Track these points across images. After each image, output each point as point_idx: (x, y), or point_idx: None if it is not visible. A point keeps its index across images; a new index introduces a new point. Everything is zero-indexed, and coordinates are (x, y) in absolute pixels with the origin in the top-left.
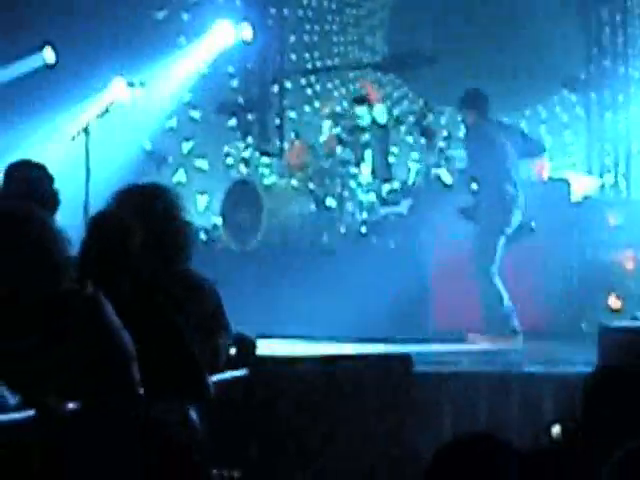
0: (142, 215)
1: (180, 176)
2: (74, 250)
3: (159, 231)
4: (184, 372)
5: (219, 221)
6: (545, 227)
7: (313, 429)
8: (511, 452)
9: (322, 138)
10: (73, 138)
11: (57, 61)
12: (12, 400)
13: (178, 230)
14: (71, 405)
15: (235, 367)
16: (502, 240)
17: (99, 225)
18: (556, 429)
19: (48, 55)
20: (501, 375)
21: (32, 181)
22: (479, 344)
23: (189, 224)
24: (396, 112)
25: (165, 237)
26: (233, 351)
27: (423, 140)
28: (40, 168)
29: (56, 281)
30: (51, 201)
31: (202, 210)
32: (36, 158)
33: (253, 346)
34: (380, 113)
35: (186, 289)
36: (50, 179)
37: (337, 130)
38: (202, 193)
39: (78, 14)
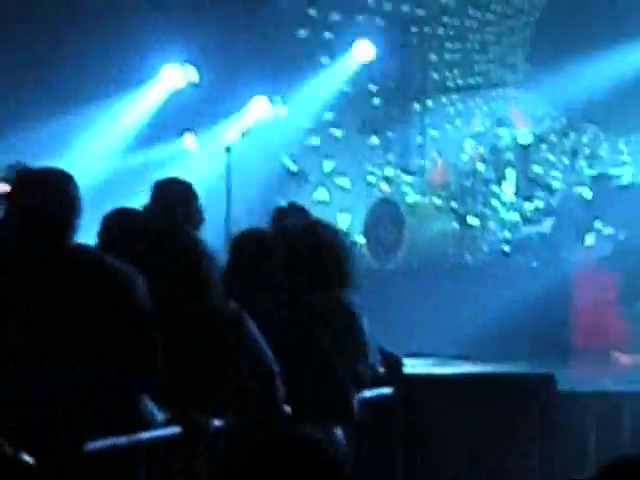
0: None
1: (322, 194)
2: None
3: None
4: (329, 391)
5: (361, 239)
6: None
7: (459, 447)
8: None
9: (464, 157)
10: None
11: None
12: (160, 416)
13: (331, 256)
14: (217, 422)
15: (382, 385)
16: None
17: (240, 244)
18: None
19: (190, 74)
20: None
21: (178, 198)
22: (624, 363)
23: (347, 248)
24: (538, 130)
25: (317, 262)
26: (381, 370)
27: (566, 159)
28: (185, 185)
29: (208, 296)
30: (196, 218)
31: (344, 229)
32: (180, 175)
33: (400, 364)
34: (523, 134)
35: (333, 313)
36: (195, 196)
37: (480, 149)
38: (344, 212)
39: (219, 32)
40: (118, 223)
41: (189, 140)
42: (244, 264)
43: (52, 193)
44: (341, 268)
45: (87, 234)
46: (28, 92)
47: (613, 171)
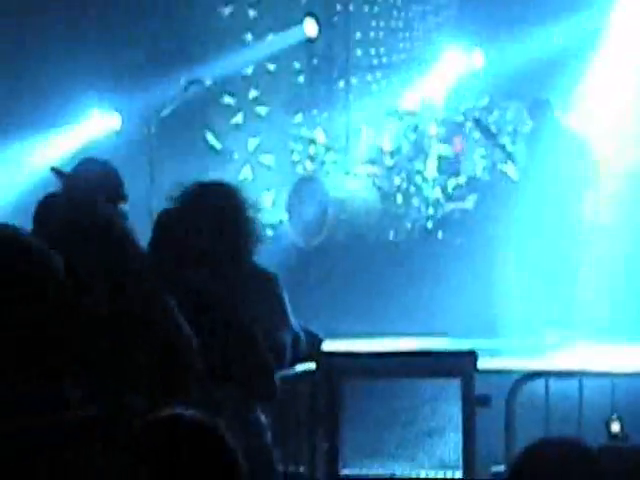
0: (213, 213)
1: (246, 173)
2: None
3: (229, 229)
4: (252, 370)
5: (285, 217)
6: None
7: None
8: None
9: (388, 135)
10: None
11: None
12: (77, 394)
13: (247, 227)
14: (139, 400)
15: (301, 362)
16: None
17: (163, 223)
18: (615, 425)
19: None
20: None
21: (99, 176)
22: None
23: (257, 221)
24: (463, 107)
25: (233, 234)
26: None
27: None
28: (106, 164)
29: (124, 274)
30: (119, 196)
31: (268, 206)
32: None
33: (319, 342)
34: (452, 109)
35: (253, 284)
36: (116, 174)
37: (403, 126)
38: (268, 189)
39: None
40: (42, 209)
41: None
42: (170, 240)
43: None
44: (255, 240)
45: None
46: None
47: None
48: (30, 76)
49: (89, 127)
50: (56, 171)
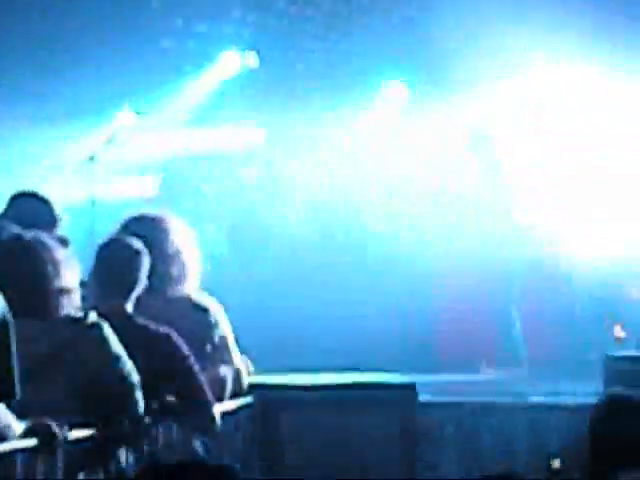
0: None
1: (188, 203)
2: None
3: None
4: (192, 403)
5: (225, 249)
6: None
7: (317, 460)
8: None
9: None
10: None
11: None
12: (18, 426)
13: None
14: (76, 432)
15: (241, 395)
16: None
17: (107, 253)
18: (556, 462)
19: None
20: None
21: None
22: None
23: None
24: None
25: (166, 265)
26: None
27: None
28: (40, 198)
29: (52, 308)
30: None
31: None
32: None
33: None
34: None
35: (192, 315)
36: (50, 208)
37: None
38: (209, 221)
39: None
40: None
41: None
42: (110, 271)
43: None
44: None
45: None
46: None
47: None
48: None
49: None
50: None
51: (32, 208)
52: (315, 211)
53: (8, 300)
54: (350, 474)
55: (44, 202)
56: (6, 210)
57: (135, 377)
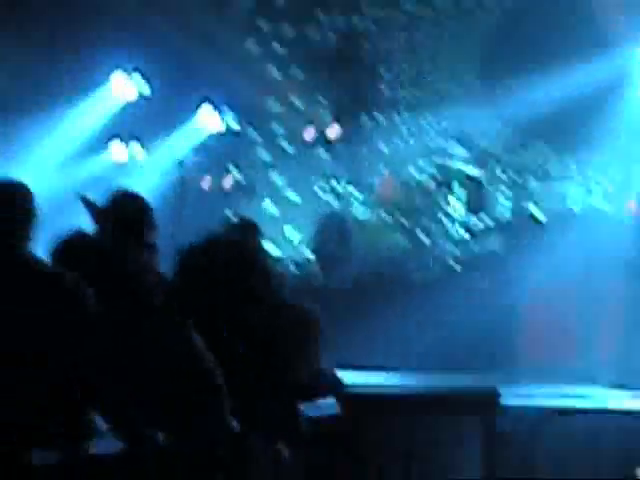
0: (237, 248)
1: (271, 208)
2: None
3: (253, 266)
4: (279, 410)
5: (310, 254)
6: None
7: (399, 463)
8: None
9: (414, 173)
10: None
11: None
12: (103, 427)
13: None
14: (163, 436)
15: (323, 397)
16: None
17: (193, 259)
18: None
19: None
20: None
21: (132, 214)
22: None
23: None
24: (487, 146)
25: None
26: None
27: (515, 176)
28: (139, 199)
29: (137, 309)
30: (149, 233)
31: (293, 243)
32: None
33: (337, 380)
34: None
35: (288, 322)
36: (149, 211)
37: (429, 165)
38: (294, 226)
39: (168, 39)
40: (69, 249)
41: (137, 150)
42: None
43: (4, 201)
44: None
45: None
46: None
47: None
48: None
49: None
50: (86, 202)
51: (135, 209)
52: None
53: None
54: (433, 475)
55: (144, 204)
56: (106, 208)
57: (222, 382)
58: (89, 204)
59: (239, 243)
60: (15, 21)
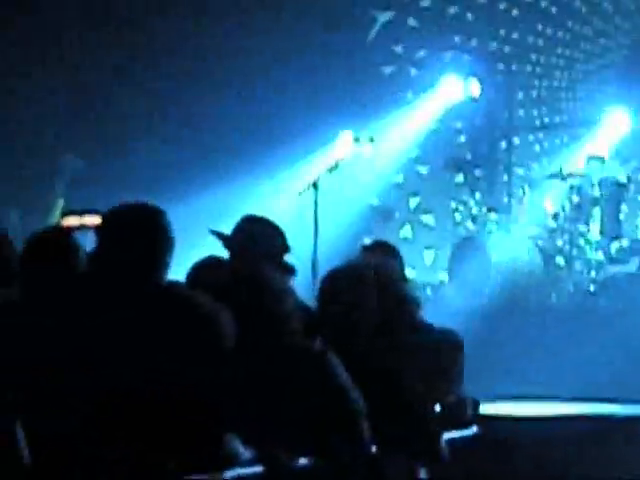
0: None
1: (406, 232)
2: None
3: (395, 289)
4: (418, 432)
5: (445, 278)
6: None
7: None
8: None
9: (551, 195)
10: (301, 193)
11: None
12: (246, 454)
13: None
14: (302, 460)
15: (464, 425)
16: None
17: (335, 284)
18: None
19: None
20: None
21: (264, 239)
22: None
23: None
24: (626, 170)
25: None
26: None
27: None
28: (272, 225)
29: (275, 333)
30: (281, 257)
31: (428, 266)
32: (263, 214)
33: (477, 405)
34: (616, 170)
35: (425, 348)
36: (282, 235)
37: (566, 188)
38: (428, 248)
39: (303, 69)
40: (203, 276)
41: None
42: (339, 304)
43: (141, 227)
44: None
45: None
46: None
47: None
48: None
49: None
50: (216, 233)
51: (264, 234)
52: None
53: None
54: None
55: (275, 228)
56: (235, 233)
57: (362, 406)
58: (218, 234)
59: (379, 268)
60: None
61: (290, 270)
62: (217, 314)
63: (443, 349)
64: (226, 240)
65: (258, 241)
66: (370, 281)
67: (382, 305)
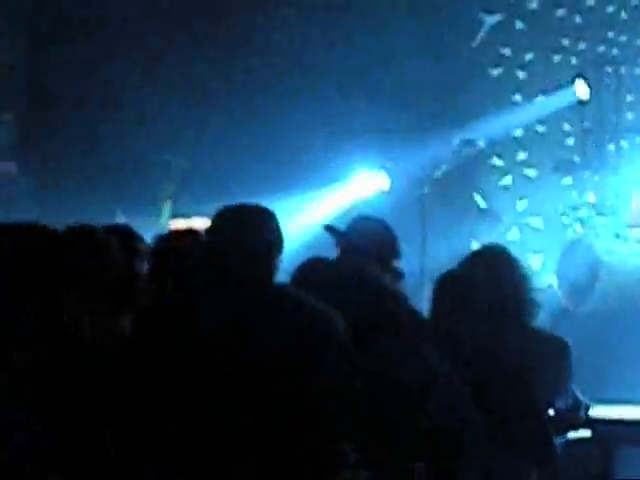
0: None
1: (514, 235)
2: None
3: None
4: (534, 434)
5: (554, 281)
6: None
7: None
8: None
9: None
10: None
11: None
12: (352, 457)
13: (524, 289)
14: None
15: (577, 428)
16: None
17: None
18: None
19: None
20: None
21: (373, 239)
22: None
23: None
24: None
25: (512, 298)
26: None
27: None
28: (382, 225)
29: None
30: (392, 258)
31: (537, 270)
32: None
33: (587, 409)
34: None
35: (537, 350)
36: (393, 235)
37: None
38: (536, 252)
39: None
40: (310, 275)
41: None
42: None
43: (251, 228)
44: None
45: None
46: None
47: None
48: (297, 136)
49: (357, 186)
50: (330, 229)
51: (379, 235)
52: None
53: None
54: None
55: (389, 231)
56: (351, 231)
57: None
58: (333, 231)
59: (493, 271)
60: None
61: (399, 275)
62: (331, 316)
63: (552, 353)
64: (341, 236)
65: (373, 242)
66: (483, 284)
67: (497, 307)
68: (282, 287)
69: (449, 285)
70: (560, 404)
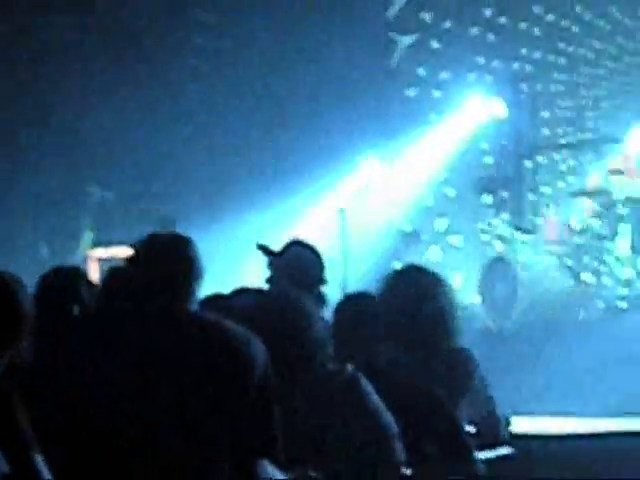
0: (411, 298)
1: (435, 254)
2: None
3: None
4: (452, 450)
5: (475, 299)
6: None
7: None
8: None
9: (577, 213)
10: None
11: None
12: (279, 476)
13: (440, 310)
14: None
15: (497, 445)
16: None
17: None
18: None
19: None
20: None
21: (303, 264)
22: None
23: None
24: None
25: (431, 317)
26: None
27: None
28: (311, 250)
29: (318, 362)
30: (318, 282)
31: (458, 288)
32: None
33: (507, 424)
34: (635, 188)
35: (450, 368)
36: (320, 261)
37: (592, 205)
38: (457, 271)
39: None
40: (234, 302)
41: None
42: (355, 324)
43: (167, 255)
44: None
45: None
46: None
47: None
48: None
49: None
50: (263, 249)
51: (310, 261)
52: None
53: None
54: None
55: (319, 258)
56: (283, 252)
57: (394, 429)
58: (265, 249)
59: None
60: None
61: (322, 301)
62: (248, 340)
63: (458, 365)
64: (273, 256)
65: (302, 266)
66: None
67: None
68: (198, 315)
69: (346, 307)
70: (482, 420)
